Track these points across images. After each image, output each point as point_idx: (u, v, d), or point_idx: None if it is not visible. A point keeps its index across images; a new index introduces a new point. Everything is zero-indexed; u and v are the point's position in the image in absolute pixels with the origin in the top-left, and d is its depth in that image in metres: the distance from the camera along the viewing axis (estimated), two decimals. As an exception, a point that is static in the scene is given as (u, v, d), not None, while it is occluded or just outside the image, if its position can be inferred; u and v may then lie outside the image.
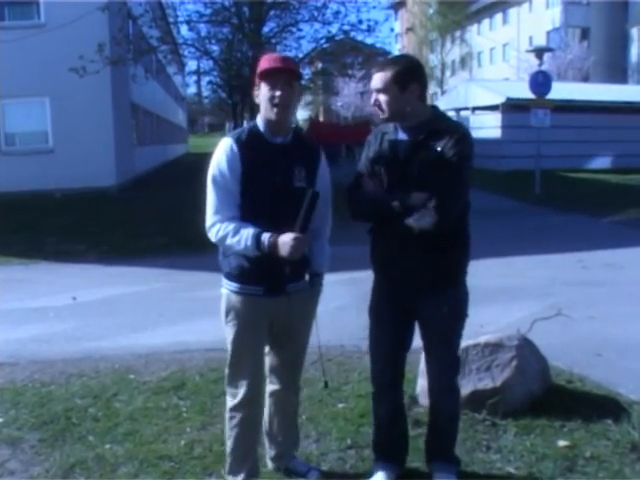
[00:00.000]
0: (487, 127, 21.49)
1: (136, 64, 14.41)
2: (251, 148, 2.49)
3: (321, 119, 46.16)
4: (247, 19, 14.55)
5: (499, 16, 45.06)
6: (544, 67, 28.59)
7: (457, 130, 2.55)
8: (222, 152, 2.50)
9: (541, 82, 14.30)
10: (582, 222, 11.19)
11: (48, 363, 4.83)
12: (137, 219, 11.92)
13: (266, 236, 2.39)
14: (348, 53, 17.97)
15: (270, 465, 2.97)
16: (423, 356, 2.87)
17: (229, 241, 2.46)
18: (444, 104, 26.55)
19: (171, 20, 17.53)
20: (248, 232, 2.42)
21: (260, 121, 2.56)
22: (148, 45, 16.25)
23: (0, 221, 11.78)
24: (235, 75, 16.86)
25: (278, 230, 2.39)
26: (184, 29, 15.14)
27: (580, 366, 4.30)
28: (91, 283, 7.57)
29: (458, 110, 24.12)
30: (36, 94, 14.34)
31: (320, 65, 20.54)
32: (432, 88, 44.78)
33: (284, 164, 2.52)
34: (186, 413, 3.72)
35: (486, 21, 46.42)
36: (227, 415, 2.69)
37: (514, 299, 6.26)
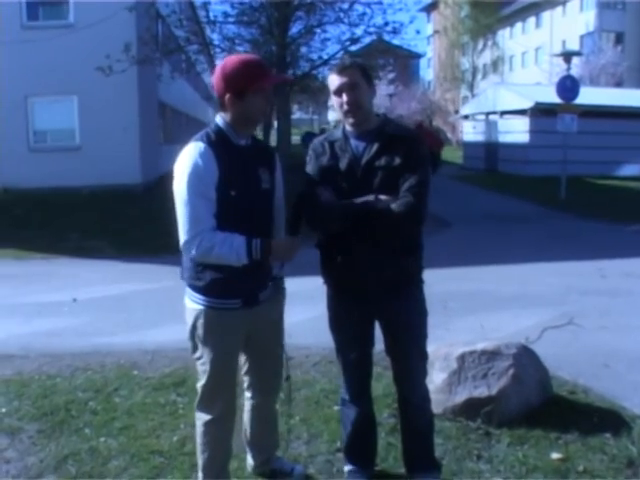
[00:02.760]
0: (515, 132, 21.26)
1: (161, 64, 14.57)
2: (222, 151, 2.37)
3: None
4: (275, 20, 14.61)
5: (532, 20, 44.49)
6: (576, 72, 28.25)
7: (413, 135, 2.57)
8: (195, 157, 2.33)
9: (569, 87, 14.09)
10: (605, 229, 10.98)
11: (57, 356, 4.93)
12: (159, 217, 12.02)
13: (257, 242, 2.33)
14: (380, 55, 17.89)
15: (251, 470, 2.96)
16: None
17: (216, 252, 2.31)
18: (473, 108, 26.39)
19: (202, 20, 17.70)
20: (238, 239, 2.32)
21: (224, 124, 2.45)
22: (177, 44, 16.42)
23: (26, 216, 12.07)
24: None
25: (253, 234, 2.35)
26: (210, 29, 15.17)
27: (586, 377, 4.22)
28: (107, 279, 7.69)
29: (487, 114, 23.90)
30: (64, 92, 14.60)
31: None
32: (463, 91, 44.47)
33: (251, 166, 2.47)
34: (182, 410, 3.75)
35: (519, 24, 45.87)
36: (199, 430, 2.62)
37: (526, 306, 6.17)
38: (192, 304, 2.51)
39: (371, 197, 2.40)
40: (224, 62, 2.44)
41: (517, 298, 6.50)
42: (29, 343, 5.27)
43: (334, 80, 2.49)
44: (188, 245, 2.36)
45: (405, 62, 46.79)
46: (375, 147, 2.48)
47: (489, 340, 4.32)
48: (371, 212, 2.38)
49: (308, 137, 30.30)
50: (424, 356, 2.70)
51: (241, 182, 2.40)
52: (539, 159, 19.12)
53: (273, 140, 21.51)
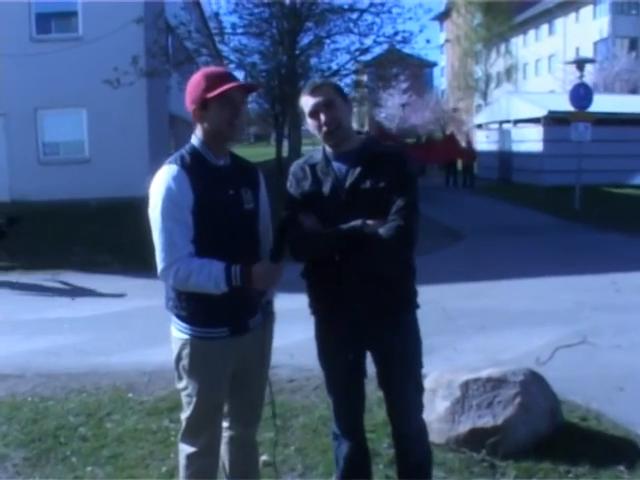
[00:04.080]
0: (529, 140, 21.00)
1: (169, 75, 14.55)
2: (198, 173, 2.25)
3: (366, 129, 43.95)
4: (285, 31, 14.58)
5: (545, 27, 44.21)
6: (590, 79, 27.89)
7: (398, 152, 2.42)
8: (169, 181, 2.22)
9: (582, 95, 13.87)
10: (621, 241, 10.71)
11: (53, 377, 4.83)
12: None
13: (237, 268, 2.19)
14: (393, 64, 17.80)
15: None
16: None
17: (194, 280, 2.19)
18: (486, 117, 26.16)
19: (212, 31, 17.73)
20: (216, 266, 2.19)
21: (199, 143, 2.34)
22: (187, 55, 16.44)
23: (34, 229, 12.03)
24: (277, 86, 16.88)
25: (237, 259, 2.22)
26: (219, 41, 15.16)
27: (599, 401, 4.02)
28: (111, 295, 7.59)
29: (500, 123, 23.67)
30: (73, 105, 14.66)
31: (365, 76, 20.44)
32: (476, 100, 44.21)
33: (232, 187, 2.34)
34: (174, 437, 3.58)
35: (532, 32, 45.61)
36: (182, 462, 2.49)
37: (538, 324, 5.96)
38: (178, 333, 2.39)
39: (358, 222, 2.25)
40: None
41: (528, 315, 6.29)
42: (27, 362, 5.17)
43: (308, 101, 2.35)
44: (165, 273, 2.25)
45: (418, 71, 46.71)
46: (359, 168, 2.33)
47: (497, 363, 4.15)
48: (358, 238, 2.23)
49: None
50: (420, 388, 2.54)
51: (221, 204, 2.28)
52: (553, 168, 18.84)
53: (285, 151, 21.41)
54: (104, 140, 14.52)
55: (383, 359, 2.47)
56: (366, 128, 44.07)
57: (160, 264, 2.24)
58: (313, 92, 2.35)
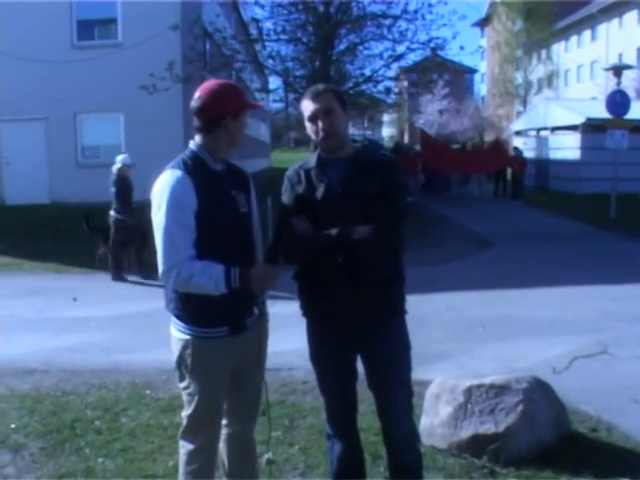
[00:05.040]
0: (566, 148, 20.63)
1: (202, 81, 14.75)
2: (200, 178, 2.33)
3: (406, 138, 42.54)
4: (320, 37, 14.68)
5: (587, 32, 43.35)
6: (633, 85, 27.17)
7: (390, 161, 2.47)
8: (173, 185, 2.29)
9: (619, 102, 13.60)
10: (655, 251, 10.47)
11: (76, 373, 4.99)
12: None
13: (236, 271, 2.27)
14: (434, 70, 17.72)
15: None
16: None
17: (195, 281, 2.27)
18: (524, 124, 25.79)
19: (249, 37, 17.95)
20: (216, 269, 2.26)
21: (198, 148, 2.42)
22: (225, 61, 16.68)
23: (71, 231, 12.35)
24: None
25: (234, 261, 2.29)
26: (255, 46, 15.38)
27: (612, 413, 3.96)
28: (140, 295, 7.76)
29: (538, 130, 23.32)
30: (111, 110, 15.03)
31: (406, 83, 20.36)
32: (516, 107, 43.61)
33: (228, 191, 2.43)
34: (183, 433, 3.70)
35: (574, 38, 44.77)
36: (182, 459, 2.57)
37: (559, 333, 5.89)
38: (179, 334, 2.47)
39: (347, 228, 2.30)
40: (203, 86, 2.41)
41: (551, 324, 6.22)
42: (52, 358, 5.35)
43: (308, 106, 2.41)
44: (167, 275, 2.32)
45: (458, 77, 46.29)
46: (351, 174, 2.40)
47: (512, 371, 4.12)
48: (347, 243, 2.28)
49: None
50: (408, 391, 2.57)
51: (220, 208, 2.36)
52: (591, 176, 18.47)
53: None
54: (140, 144, 14.81)
55: (371, 362, 2.52)
56: (406, 136, 43.82)
57: (162, 266, 2.31)
58: (314, 98, 2.41)
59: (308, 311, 2.57)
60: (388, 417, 2.55)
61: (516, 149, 20.89)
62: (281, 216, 2.39)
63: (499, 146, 21.45)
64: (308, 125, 2.44)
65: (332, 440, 2.67)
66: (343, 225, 2.31)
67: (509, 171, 20.65)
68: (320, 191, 2.42)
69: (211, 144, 2.41)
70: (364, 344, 2.50)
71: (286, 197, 2.51)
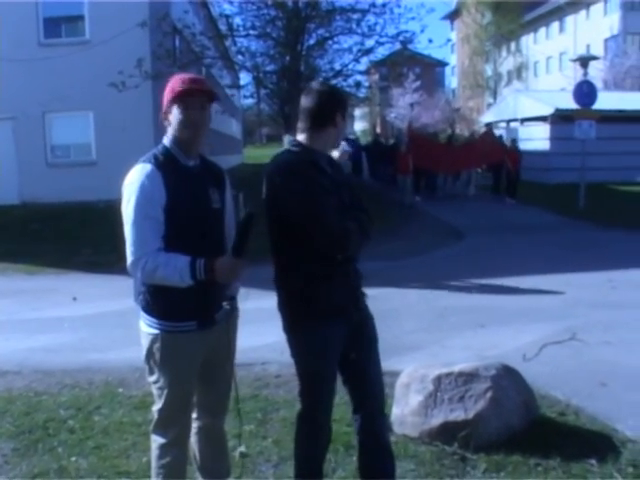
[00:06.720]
0: (536, 139, 20.91)
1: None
2: (170, 173, 2.36)
3: (378, 131, 41.42)
4: (289, 32, 14.66)
5: (555, 24, 43.92)
6: (601, 76, 27.59)
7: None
8: (143, 179, 2.33)
9: (586, 92, 13.82)
10: (622, 239, 10.68)
11: (49, 373, 4.95)
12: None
13: (201, 262, 2.29)
14: (405, 63, 17.80)
15: None
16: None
17: (160, 273, 2.29)
18: (494, 115, 26.06)
19: (218, 32, 17.83)
20: (181, 260, 2.28)
21: (170, 144, 2.45)
22: (194, 57, 16.55)
23: (42, 231, 12.22)
24: (286, 87, 16.97)
25: (203, 255, 2.31)
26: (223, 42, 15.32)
27: (580, 397, 4.05)
28: (113, 294, 7.68)
29: (508, 122, 23.58)
30: (80, 108, 14.83)
31: (376, 76, 20.42)
32: (486, 99, 44.04)
33: (200, 187, 2.45)
34: (157, 430, 3.70)
35: (542, 30, 45.32)
36: (154, 453, 2.58)
37: (529, 321, 6.00)
38: (147, 328, 2.48)
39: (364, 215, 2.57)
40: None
41: (522, 312, 6.33)
42: (25, 359, 5.29)
43: (301, 103, 2.55)
44: (133, 266, 2.34)
45: (429, 70, 46.49)
46: (337, 167, 2.63)
47: (482, 359, 4.19)
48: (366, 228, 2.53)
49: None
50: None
51: (190, 203, 2.38)
52: (560, 166, 18.75)
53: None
54: (110, 142, 14.67)
55: (362, 341, 2.63)
56: (378, 128, 43.89)
57: (129, 257, 2.34)
58: (305, 95, 2.55)
59: (328, 311, 2.50)
60: (379, 394, 2.64)
61: (514, 141, 18.21)
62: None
63: (490, 137, 19.15)
64: (340, 124, 2.58)
65: (317, 431, 2.67)
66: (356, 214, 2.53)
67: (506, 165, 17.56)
68: (339, 182, 2.58)
69: (172, 138, 2.46)
70: (357, 326, 2.61)
71: (314, 191, 2.42)
